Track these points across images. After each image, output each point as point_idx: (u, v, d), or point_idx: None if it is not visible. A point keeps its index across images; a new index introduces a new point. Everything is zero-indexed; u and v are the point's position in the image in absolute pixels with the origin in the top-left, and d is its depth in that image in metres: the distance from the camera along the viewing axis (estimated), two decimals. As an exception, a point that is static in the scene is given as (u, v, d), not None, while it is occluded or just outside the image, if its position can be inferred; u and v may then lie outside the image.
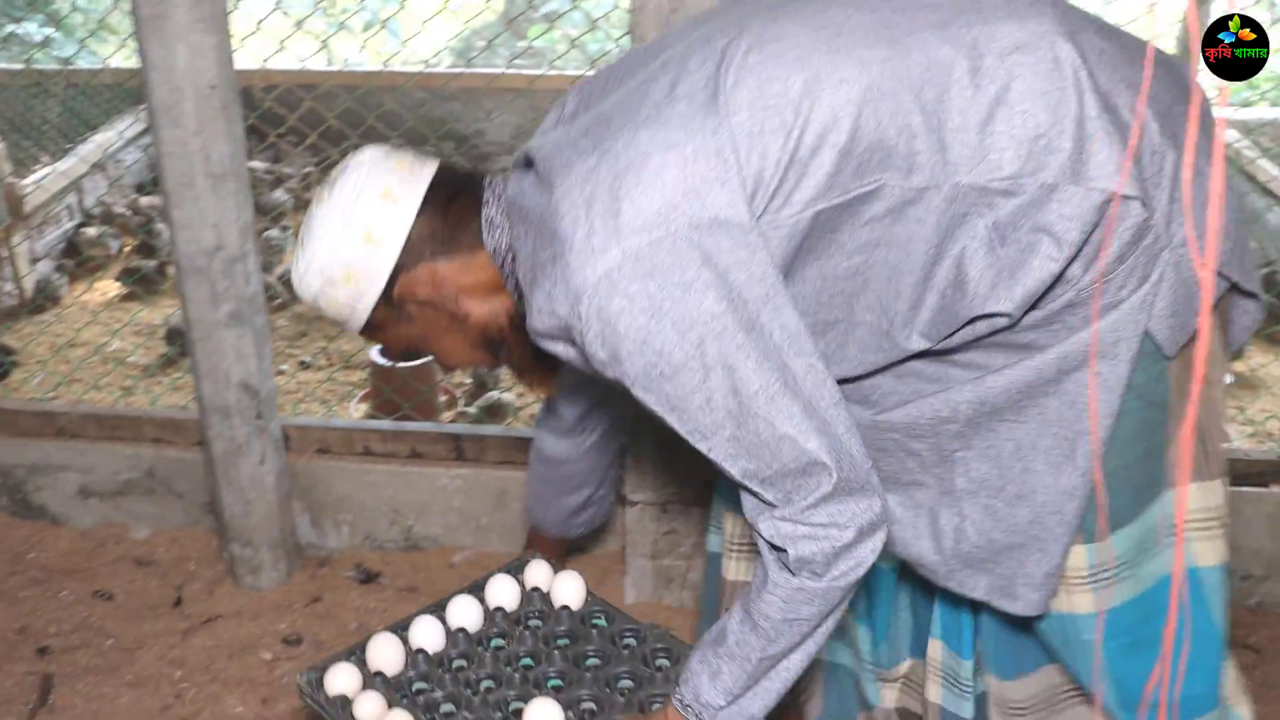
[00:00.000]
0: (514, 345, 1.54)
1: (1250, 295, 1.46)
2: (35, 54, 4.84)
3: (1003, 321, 1.33)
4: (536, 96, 4.75)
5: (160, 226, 4.46)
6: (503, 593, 1.88)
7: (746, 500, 1.40)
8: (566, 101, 1.49)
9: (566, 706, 1.67)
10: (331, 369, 3.70)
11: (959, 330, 1.36)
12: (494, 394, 3.39)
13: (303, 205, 4.91)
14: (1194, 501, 1.48)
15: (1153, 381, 1.39)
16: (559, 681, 1.75)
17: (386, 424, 2.63)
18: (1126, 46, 1.37)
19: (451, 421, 3.31)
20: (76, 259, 4.34)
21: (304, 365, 3.74)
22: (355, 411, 3.43)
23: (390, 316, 1.49)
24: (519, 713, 1.67)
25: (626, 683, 1.76)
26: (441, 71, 4.06)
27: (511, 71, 4.89)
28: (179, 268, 2.21)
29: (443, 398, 3.47)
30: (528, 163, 1.44)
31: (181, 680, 2.29)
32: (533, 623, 1.85)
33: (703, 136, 1.28)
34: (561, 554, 2.10)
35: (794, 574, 1.37)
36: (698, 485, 2.33)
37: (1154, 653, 1.49)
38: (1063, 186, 1.27)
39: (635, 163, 1.29)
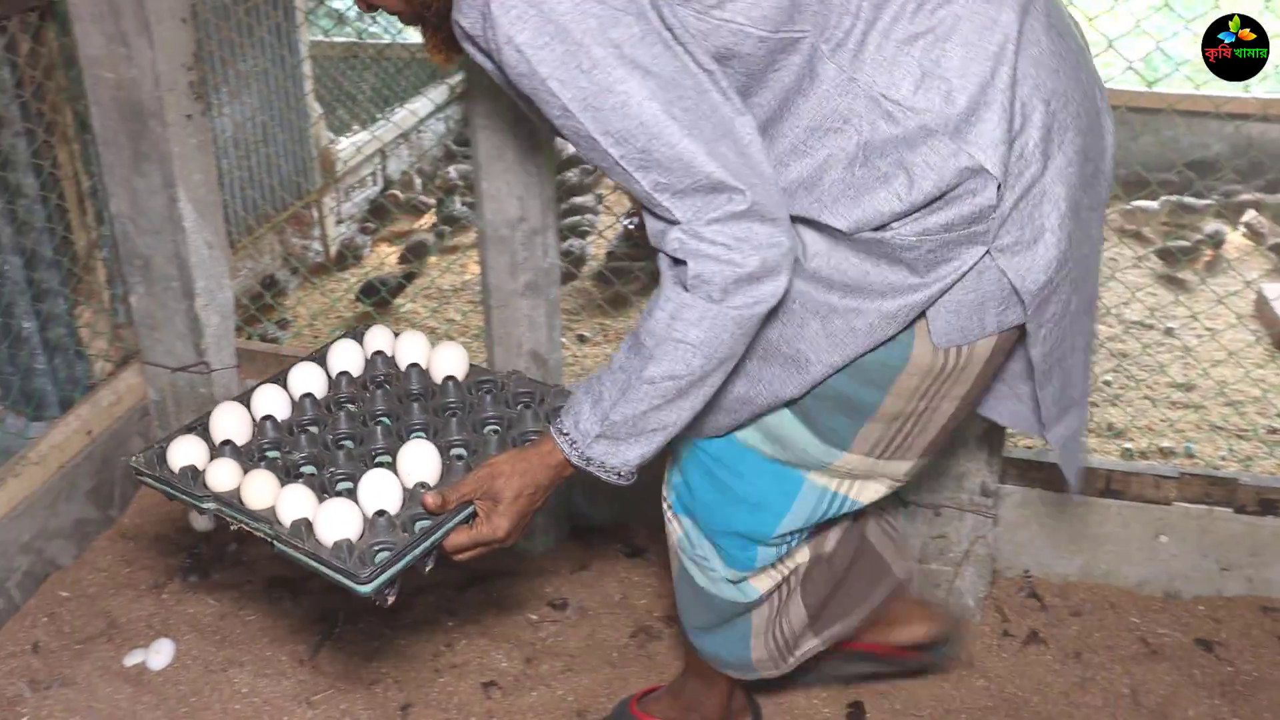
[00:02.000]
0: None
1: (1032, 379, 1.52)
2: (357, 28, 5.13)
3: (826, 232, 1.38)
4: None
5: (456, 196, 4.67)
6: (345, 358, 1.79)
7: (653, 223, 1.37)
8: None
9: (439, 451, 1.60)
10: (610, 345, 3.78)
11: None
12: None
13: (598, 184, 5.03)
14: (849, 465, 1.58)
15: (897, 354, 1.44)
16: (423, 433, 1.67)
17: (662, 402, 2.67)
18: (1064, 55, 1.38)
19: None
20: (381, 221, 4.59)
21: (582, 340, 3.84)
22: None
23: None
24: (391, 465, 1.58)
25: (495, 426, 1.70)
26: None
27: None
28: (482, 237, 2.30)
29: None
30: None
31: (453, 630, 2.39)
32: (385, 385, 1.75)
33: None
34: None
35: (687, 289, 1.34)
36: (974, 490, 2.27)
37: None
38: (940, 136, 1.30)
39: None
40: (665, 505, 1.80)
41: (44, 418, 2.70)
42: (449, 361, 1.79)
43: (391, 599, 1.50)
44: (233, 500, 1.56)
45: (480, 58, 1.39)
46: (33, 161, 2.48)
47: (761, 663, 1.90)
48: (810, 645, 1.91)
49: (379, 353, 1.82)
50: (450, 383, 1.76)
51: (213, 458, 1.60)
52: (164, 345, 2.66)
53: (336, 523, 1.47)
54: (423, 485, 1.56)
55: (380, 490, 1.52)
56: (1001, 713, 2.21)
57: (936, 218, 1.33)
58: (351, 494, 1.54)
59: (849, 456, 1.57)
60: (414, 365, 1.79)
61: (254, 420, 1.68)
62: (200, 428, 1.66)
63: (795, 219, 1.39)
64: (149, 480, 1.62)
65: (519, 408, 1.74)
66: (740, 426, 1.60)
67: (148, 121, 2.41)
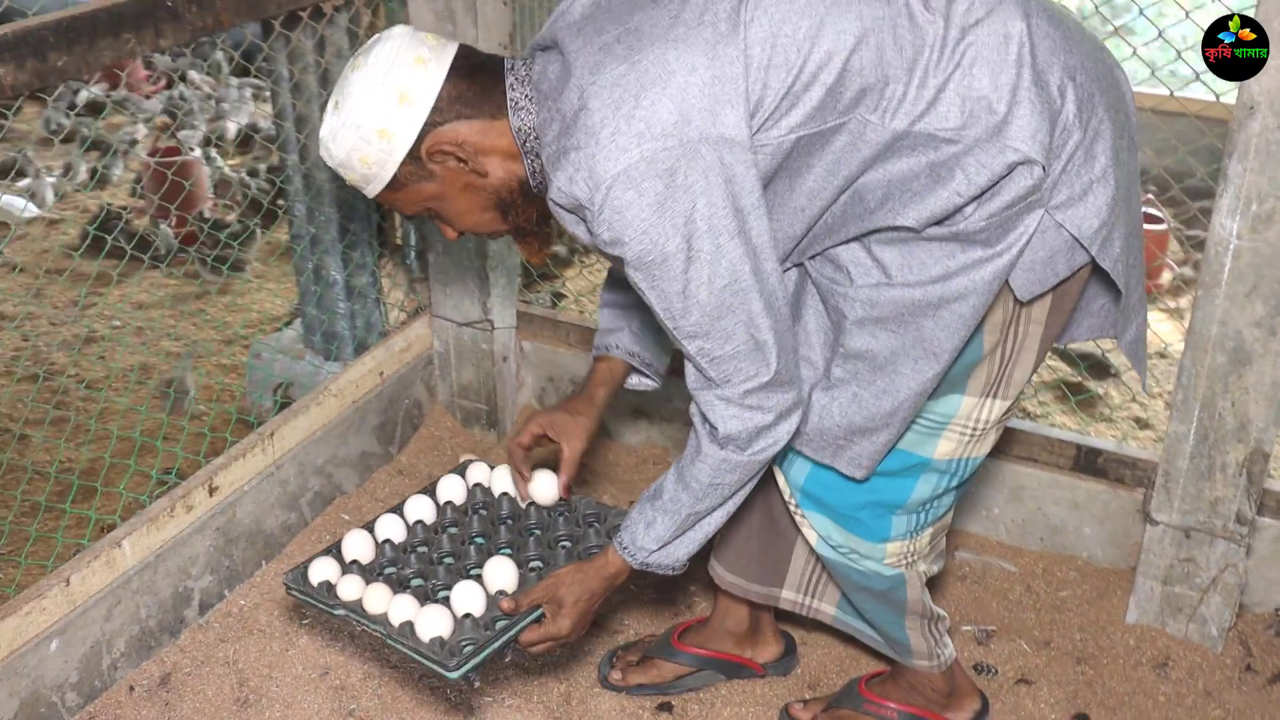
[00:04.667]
0: (521, 209, 1.73)
1: (1113, 286, 1.74)
2: None
3: (903, 232, 1.62)
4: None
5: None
6: (451, 489, 2.14)
7: (691, 374, 1.68)
8: None
9: (518, 565, 1.94)
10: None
11: (867, 234, 1.65)
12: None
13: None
14: (966, 409, 1.79)
15: (1000, 318, 1.70)
16: (508, 550, 2.02)
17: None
18: (1070, 35, 1.61)
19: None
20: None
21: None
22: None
23: (414, 173, 1.65)
24: (478, 577, 1.93)
25: (565, 543, 2.04)
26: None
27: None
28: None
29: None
30: (548, 46, 1.66)
31: (694, 595, 2.52)
32: (481, 511, 2.10)
33: (721, 64, 1.51)
34: (615, 386, 2.13)
35: (721, 447, 1.68)
36: (1228, 516, 2.25)
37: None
38: (987, 141, 1.54)
39: (661, 77, 1.51)
40: (794, 511, 1.93)
41: (338, 358, 2.97)
42: (543, 488, 2.12)
43: (477, 683, 1.84)
44: (357, 607, 1.90)
45: (571, 223, 1.66)
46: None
47: (919, 652, 2.05)
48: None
49: (478, 484, 2.17)
50: (532, 507, 2.11)
51: (343, 574, 1.97)
52: (453, 301, 2.88)
53: (432, 623, 1.82)
54: (502, 593, 1.90)
55: (468, 597, 1.87)
56: (1236, 744, 2.19)
57: (997, 202, 1.57)
58: (446, 600, 1.89)
59: (968, 400, 1.79)
60: (504, 494, 2.14)
61: (376, 543, 2.05)
62: (335, 550, 2.03)
63: (869, 234, 1.65)
64: (296, 593, 1.97)
65: (585, 527, 2.07)
66: (894, 445, 1.80)
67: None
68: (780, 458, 1.89)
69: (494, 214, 1.73)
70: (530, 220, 1.75)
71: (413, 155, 1.63)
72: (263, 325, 3.81)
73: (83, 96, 5.50)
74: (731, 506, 1.77)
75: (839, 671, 2.33)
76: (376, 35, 1.67)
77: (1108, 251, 1.65)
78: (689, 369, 1.68)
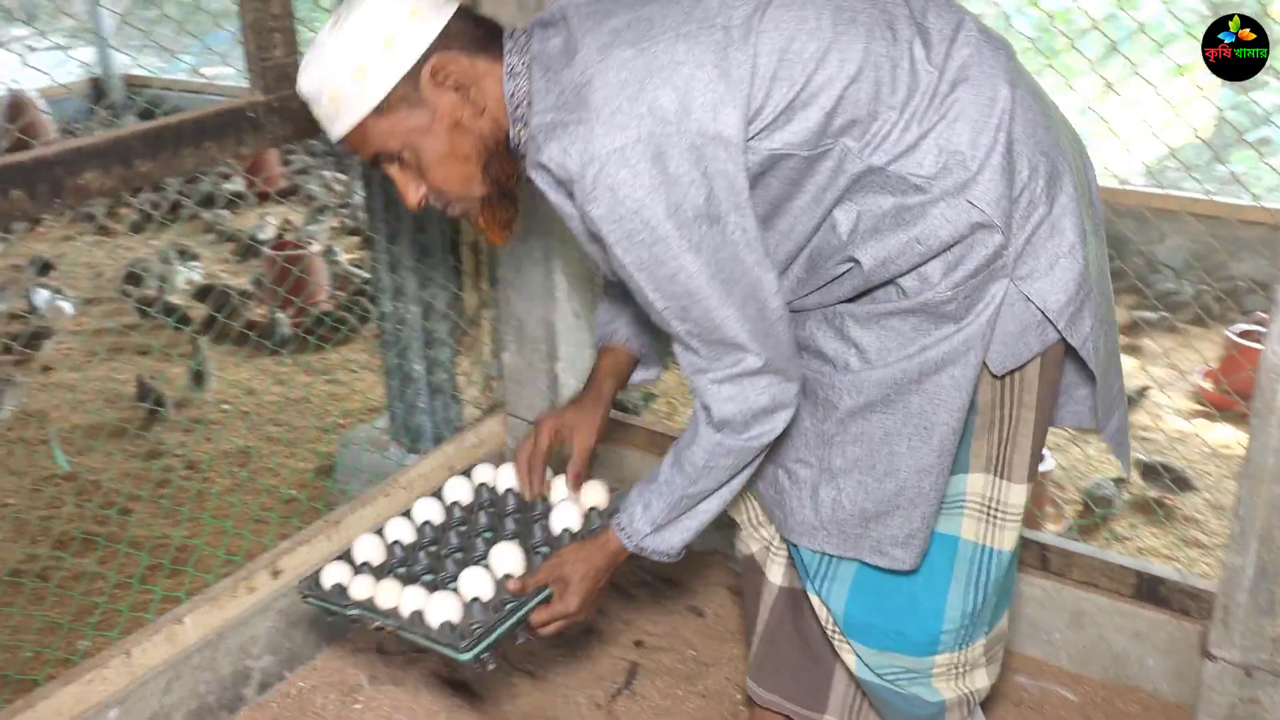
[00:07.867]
0: (503, 163, 1.69)
1: (1086, 368, 1.73)
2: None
3: (855, 271, 1.63)
4: (1216, 224, 4.55)
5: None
6: (457, 490, 2.14)
7: (685, 357, 1.67)
8: None
9: (525, 551, 1.94)
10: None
11: (821, 287, 1.68)
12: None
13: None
14: (976, 487, 1.76)
15: (988, 398, 1.70)
16: (514, 538, 2.00)
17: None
18: (1048, 112, 1.66)
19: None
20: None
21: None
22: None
23: (405, 97, 1.61)
24: (485, 564, 1.92)
25: (570, 528, 2.01)
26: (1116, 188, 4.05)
27: (1194, 196, 4.72)
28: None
29: (1049, 509, 3.45)
30: (551, 22, 1.67)
31: (740, 704, 2.51)
32: (488, 509, 2.09)
33: (729, 65, 1.54)
34: (621, 378, 2.15)
35: (716, 430, 1.67)
36: (1292, 658, 2.16)
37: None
38: (954, 196, 1.56)
39: (668, 66, 1.53)
40: (834, 637, 1.88)
41: (419, 450, 3.06)
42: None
43: (492, 664, 1.82)
44: (369, 605, 1.92)
45: (556, 197, 1.65)
46: (439, 228, 2.85)
47: None
48: None
49: (483, 484, 2.17)
50: (539, 502, 2.11)
51: (354, 575, 1.99)
52: (525, 400, 2.96)
53: (442, 610, 1.83)
54: (509, 576, 1.90)
55: (475, 582, 1.88)
56: None
57: (960, 271, 1.60)
58: (455, 589, 1.90)
59: (973, 477, 1.76)
60: (509, 489, 2.15)
61: (386, 545, 2.06)
62: (346, 555, 2.05)
63: (835, 304, 1.69)
64: (312, 601, 2.00)
65: (590, 517, 2.06)
66: (921, 528, 1.75)
67: (539, 203, 2.72)
68: (819, 587, 1.86)
69: (474, 166, 1.69)
70: (509, 179, 1.72)
71: (411, 75, 1.61)
72: (360, 414, 3.95)
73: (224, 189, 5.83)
74: (727, 494, 1.77)
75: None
76: None
77: (1076, 329, 1.65)
78: (681, 351, 1.68)
